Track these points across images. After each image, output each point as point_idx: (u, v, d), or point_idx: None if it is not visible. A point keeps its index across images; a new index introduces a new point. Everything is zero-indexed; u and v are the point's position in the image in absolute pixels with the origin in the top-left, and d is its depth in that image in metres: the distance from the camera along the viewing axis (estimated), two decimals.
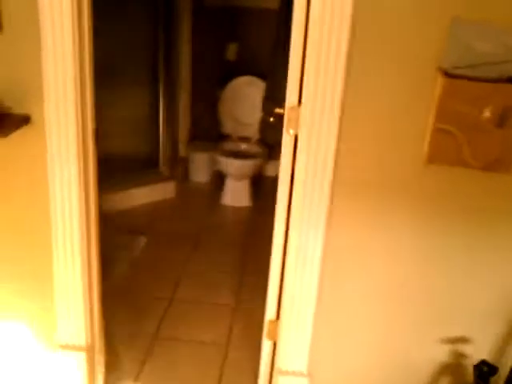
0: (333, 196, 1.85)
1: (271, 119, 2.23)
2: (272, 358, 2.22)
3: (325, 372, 2.14)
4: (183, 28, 4.42)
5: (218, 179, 4.48)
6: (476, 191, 1.84)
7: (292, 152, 1.85)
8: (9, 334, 2.24)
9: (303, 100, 1.73)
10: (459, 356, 2.06)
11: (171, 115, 4.37)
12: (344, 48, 1.67)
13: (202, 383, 2.50)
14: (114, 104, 4.00)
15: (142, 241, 3.69)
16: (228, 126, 4.54)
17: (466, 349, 2.05)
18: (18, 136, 1.89)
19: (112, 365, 2.50)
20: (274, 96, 2.73)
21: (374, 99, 1.75)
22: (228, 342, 2.76)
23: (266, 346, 2.21)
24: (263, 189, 4.54)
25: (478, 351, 2.03)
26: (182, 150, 4.78)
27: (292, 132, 1.81)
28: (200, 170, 4.67)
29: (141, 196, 4.21)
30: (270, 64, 3.22)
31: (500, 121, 1.67)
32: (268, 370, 2.23)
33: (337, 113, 1.73)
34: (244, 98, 4.42)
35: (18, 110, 1.89)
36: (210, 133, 4.69)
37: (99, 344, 2.31)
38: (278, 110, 1.97)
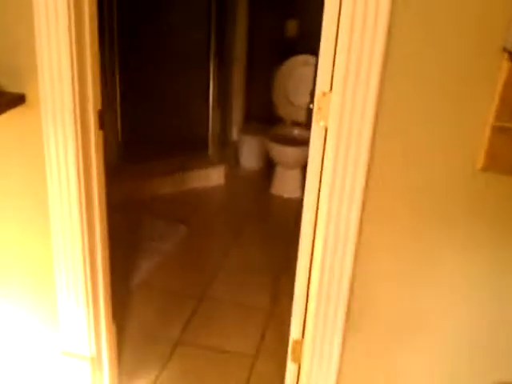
0: (364, 208, 1.50)
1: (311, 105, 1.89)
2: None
3: None
4: (240, 2, 4.10)
5: (271, 166, 4.15)
6: None
7: (322, 149, 1.50)
8: (10, 331, 2.05)
9: (334, 86, 1.38)
10: None
11: (223, 94, 4.07)
12: (384, 22, 1.30)
13: None
14: (159, 81, 3.77)
15: (182, 230, 3.45)
16: (281, 109, 4.19)
17: None
18: (12, 115, 1.66)
19: (127, 371, 2.27)
20: None
21: (417, 90, 1.38)
22: (257, 353, 2.46)
23: (291, 369, 1.91)
24: None
25: None
26: (234, 133, 4.49)
27: (322, 124, 1.46)
28: (252, 155, 4.36)
29: (187, 181, 3.96)
30: None
31: None
32: None
33: (372, 105, 1.37)
34: (299, 78, 4.04)
35: (12, 88, 1.65)
36: (265, 115, 4.36)
37: (108, 353, 2.07)
38: None
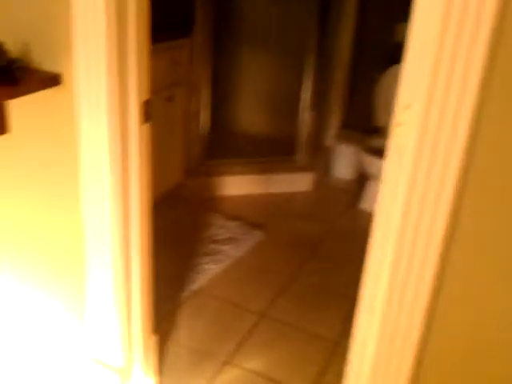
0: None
1: None
2: None
3: None
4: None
5: (364, 179, 3.80)
6: None
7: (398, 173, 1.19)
8: (38, 328, 1.91)
9: (415, 99, 1.07)
10: None
11: (318, 95, 3.78)
12: None
13: None
14: (251, 75, 3.56)
15: (257, 236, 3.21)
16: (381, 119, 3.82)
17: None
18: (44, 95, 1.49)
19: None
20: None
21: None
22: None
23: None
24: None
25: None
26: (329, 139, 4.19)
27: (400, 142, 1.15)
28: (345, 164, 4.04)
29: (269, 184, 3.72)
30: None
31: None
32: None
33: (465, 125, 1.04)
34: None
35: (48, 66, 1.47)
36: (363, 123, 4.02)
37: (143, 365, 1.88)
38: None
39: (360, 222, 3.59)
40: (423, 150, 1.10)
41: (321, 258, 3.10)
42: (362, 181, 3.78)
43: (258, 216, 3.43)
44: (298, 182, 3.79)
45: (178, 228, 3.24)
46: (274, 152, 3.77)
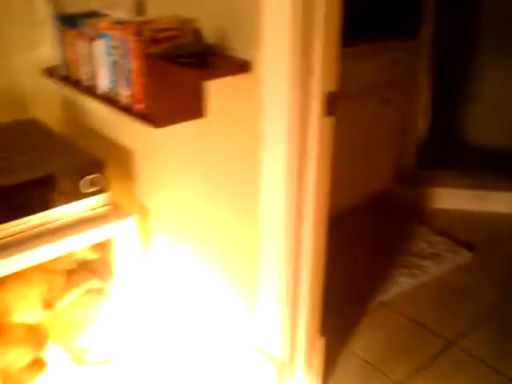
0: None
1: None
2: None
3: None
4: None
5: None
6: None
7: None
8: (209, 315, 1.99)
9: None
10: None
11: None
12: None
13: None
14: (482, 81, 3.25)
15: (464, 256, 2.91)
16: None
17: None
18: (236, 82, 1.53)
19: None
20: None
21: None
22: None
23: None
24: None
25: None
26: None
27: None
28: None
29: (489, 202, 3.35)
30: None
31: None
32: None
33: None
34: None
35: (239, 53, 1.50)
36: None
37: (305, 363, 1.84)
38: None
39: None
40: None
41: None
42: None
43: (468, 234, 3.12)
44: None
45: (377, 235, 3.12)
46: (498, 167, 3.39)
